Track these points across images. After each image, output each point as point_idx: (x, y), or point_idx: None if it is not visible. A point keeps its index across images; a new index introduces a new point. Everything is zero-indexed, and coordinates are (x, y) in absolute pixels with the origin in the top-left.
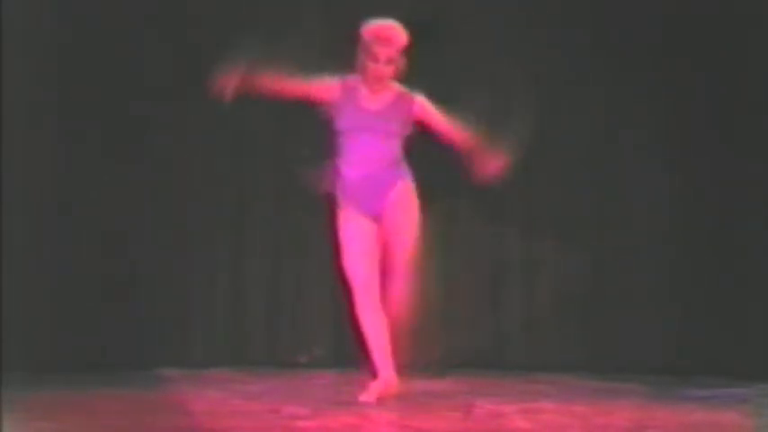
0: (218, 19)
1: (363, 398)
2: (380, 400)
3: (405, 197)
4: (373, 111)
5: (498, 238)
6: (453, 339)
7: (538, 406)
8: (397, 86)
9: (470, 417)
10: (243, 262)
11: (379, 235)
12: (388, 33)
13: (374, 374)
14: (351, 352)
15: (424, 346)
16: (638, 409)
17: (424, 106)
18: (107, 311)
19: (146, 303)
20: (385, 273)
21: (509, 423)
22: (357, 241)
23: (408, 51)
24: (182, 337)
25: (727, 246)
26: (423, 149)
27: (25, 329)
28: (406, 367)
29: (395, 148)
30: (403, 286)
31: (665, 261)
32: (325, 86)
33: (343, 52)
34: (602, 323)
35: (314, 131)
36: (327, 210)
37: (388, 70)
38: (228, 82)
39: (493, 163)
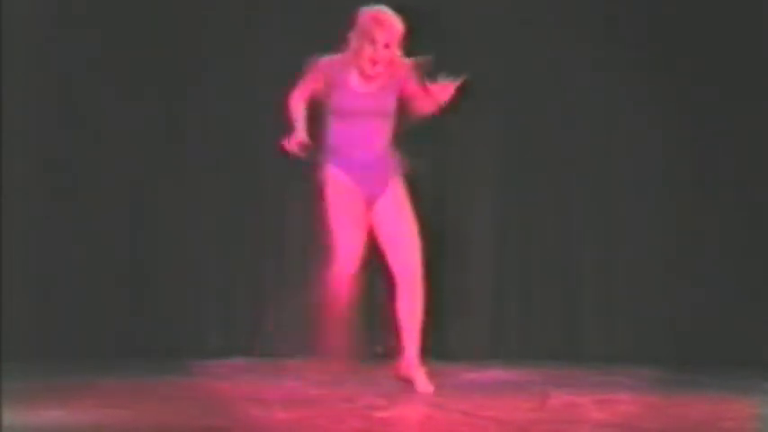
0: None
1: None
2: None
3: (398, 197)
4: (365, 93)
5: (572, 229)
6: (528, 330)
7: (613, 397)
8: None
9: (545, 407)
10: (314, 251)
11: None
12: (387, 18)
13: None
14: (426, 343)
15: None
16: (714, 402)
17: (411, 73)
18: (181, 302)
19: (218, 293)
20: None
21: (583, 413)
22: (345, 213)
23: (405, 44)
24: (255, 326)
25: None
26: None
27: (95, 317)
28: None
29: (388, 129)
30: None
31: (744, 254)
32: (310, 85)
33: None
34: (679, 315)
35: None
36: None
37: (385, 55)
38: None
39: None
